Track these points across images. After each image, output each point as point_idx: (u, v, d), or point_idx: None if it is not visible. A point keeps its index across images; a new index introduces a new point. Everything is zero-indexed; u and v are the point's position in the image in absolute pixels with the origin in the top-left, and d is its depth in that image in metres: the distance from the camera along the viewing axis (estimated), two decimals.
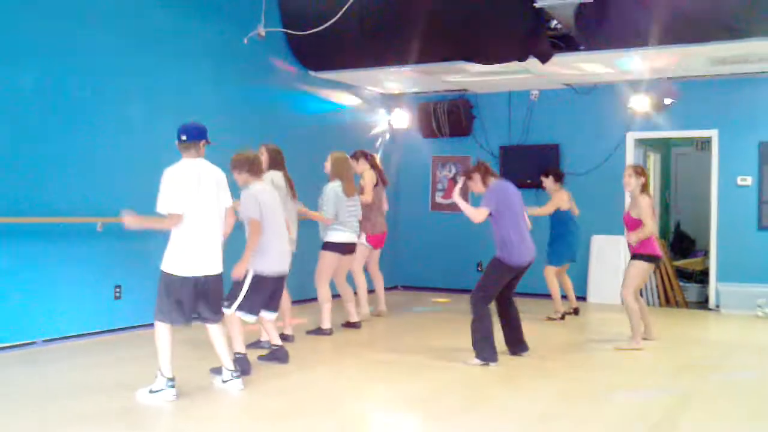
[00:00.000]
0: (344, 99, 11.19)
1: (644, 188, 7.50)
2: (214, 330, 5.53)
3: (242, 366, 5.92)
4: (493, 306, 6.72)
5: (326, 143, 9.92)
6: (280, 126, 9.67)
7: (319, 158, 8.34)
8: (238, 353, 6.02)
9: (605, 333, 8.27)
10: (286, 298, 7.32)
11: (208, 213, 5.34)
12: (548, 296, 9.30)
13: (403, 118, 12.00)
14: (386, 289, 9.68)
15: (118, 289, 7.71)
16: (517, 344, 6.91)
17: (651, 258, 7.46)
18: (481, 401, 5.48)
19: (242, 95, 9.20)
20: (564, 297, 9.38)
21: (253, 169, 6.18)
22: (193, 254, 5.27)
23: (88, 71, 7.44)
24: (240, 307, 6.02)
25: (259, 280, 6.07)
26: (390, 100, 12.11)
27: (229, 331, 5.91)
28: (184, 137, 5.37)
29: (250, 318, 6.11)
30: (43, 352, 6.80)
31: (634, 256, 7.48)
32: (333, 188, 7.88)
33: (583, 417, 5.06)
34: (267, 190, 6.23)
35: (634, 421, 5.00)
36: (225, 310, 5.88)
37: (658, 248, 7.56)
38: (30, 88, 7.00)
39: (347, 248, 8.04)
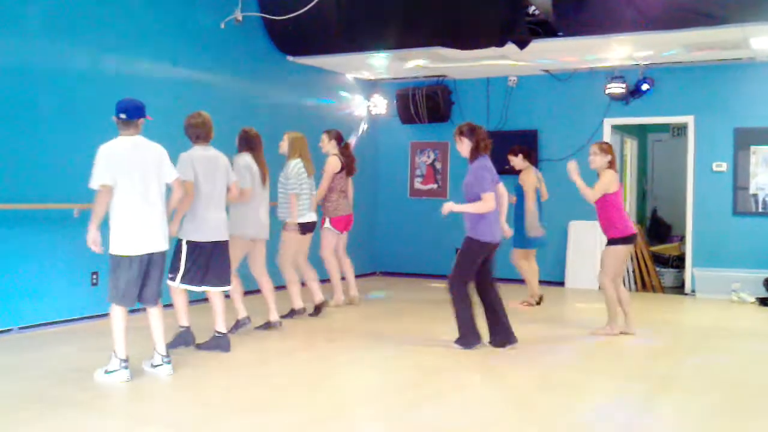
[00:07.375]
0: (322, 84, 11.13)
1: (611, 165, 7.33)
2: (153, 313, 5.52)
3: (186, 339, 6.20)
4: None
5: (304, 129, 9.87)
6: (257, 111, 9.63)
7: None
8: (182, 326, 6.20)
9: (582, 319, 8.31)
10: (236, 287, 7.08)
11: (144, 190, 5.29)
12: (522, 281, 9.29)
13: (381, 104, 11.98)
14: (365, 275, 9.65)
15: (95, 276, 7.65)
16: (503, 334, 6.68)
17: (625, 240, 7.26)
18: (456, 388, 5.48)
19: (219, 79, 9.12)
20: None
21: (195, 133, 6.11)
22: (133, 233, 5.26)
23: (64, 55, 7.35)
24: (183, 279, 6.04)
25: (194, 248, 6.06)
26: (368, 86, 12.07)
27: (174, 303, 6.03)
28: (123, 115, 5.34)
29: (196, 289, 6.13)
30: (19, 339, 6.73)
31: (609, 242, 7.38)
32: (297, 166, 7.73)
33: (560, 404, 5.07)
34: (207, 157, 6.12)
35: (612, 406, 5.04)
36: (170, 283, 6.01)
37: (631, 227, 7.33)
38: None
39: (308, 227, 7.92)
